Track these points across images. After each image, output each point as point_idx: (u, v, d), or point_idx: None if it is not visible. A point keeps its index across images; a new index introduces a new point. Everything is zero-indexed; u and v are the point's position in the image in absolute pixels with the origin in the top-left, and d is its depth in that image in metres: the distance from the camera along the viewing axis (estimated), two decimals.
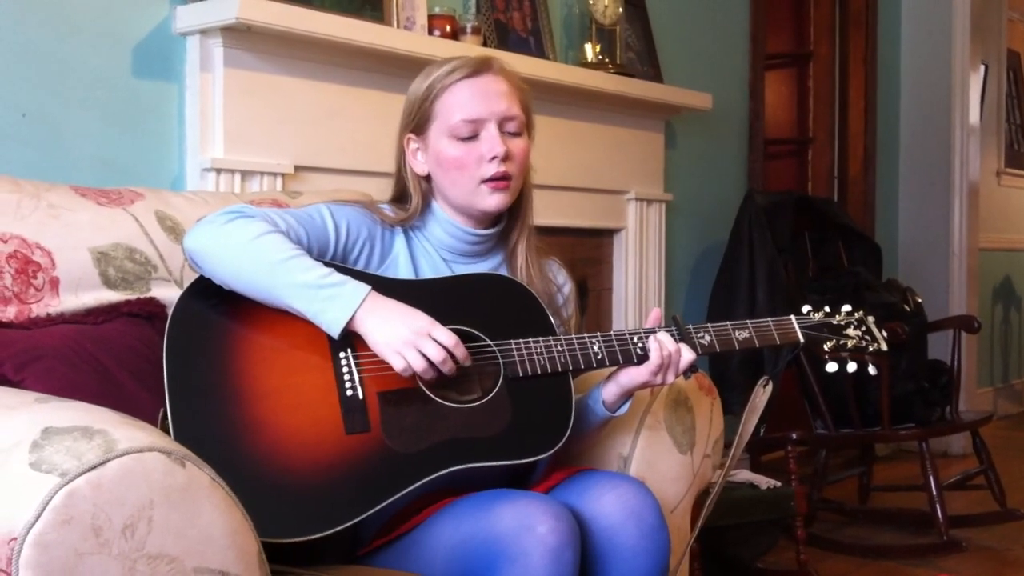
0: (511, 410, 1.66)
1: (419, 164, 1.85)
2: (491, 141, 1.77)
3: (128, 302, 1.79)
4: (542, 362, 1.70)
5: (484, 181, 1.78)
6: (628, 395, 1.81)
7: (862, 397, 3.71)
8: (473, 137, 1.78)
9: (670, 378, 1.76)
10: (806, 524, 3.26)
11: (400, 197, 1.89)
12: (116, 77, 2.29)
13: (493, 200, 1.79)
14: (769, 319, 1.87)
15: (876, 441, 4.11)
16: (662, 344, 1.75)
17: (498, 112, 1.79)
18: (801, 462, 3.39)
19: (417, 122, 1.83)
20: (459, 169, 1.79)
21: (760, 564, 3.26)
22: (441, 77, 1.79)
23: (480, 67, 1.80)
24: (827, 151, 5.10)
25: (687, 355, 1.76)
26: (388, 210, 1.85)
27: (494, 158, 1.77)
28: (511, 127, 1.81)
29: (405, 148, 1.86)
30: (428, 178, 1.85)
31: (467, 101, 1.78)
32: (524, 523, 1.47)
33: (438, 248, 1.86)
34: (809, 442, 3.68)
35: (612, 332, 1.78)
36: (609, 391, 1.80)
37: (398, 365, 1.59)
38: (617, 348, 1.76)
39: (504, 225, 1.89)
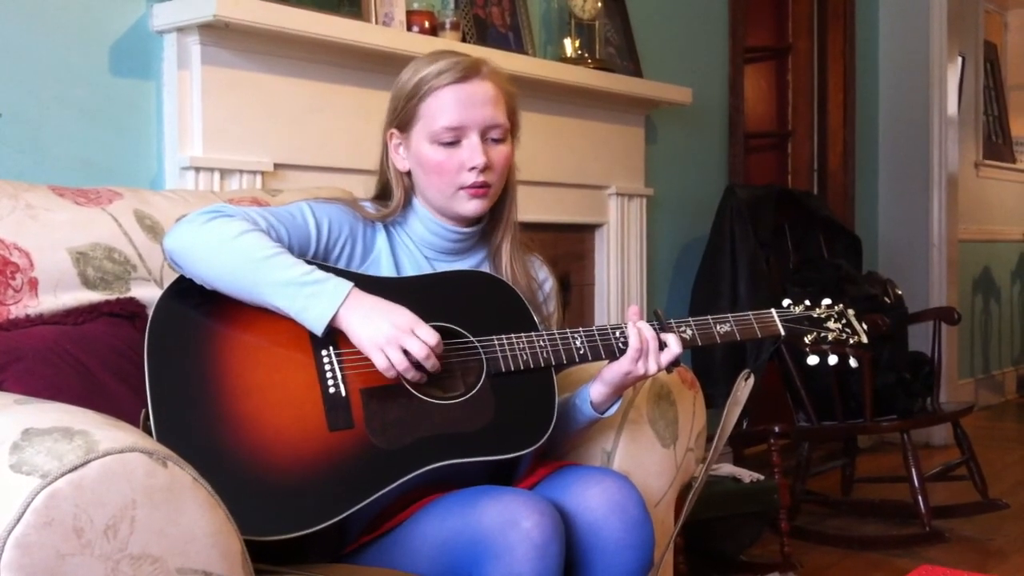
0: (494, 406, 1.66)
1: (401, 160, 1.85)
2: (472, 151, 1.77)
3: (108, 302, 1.78)
4: (524, 358, 1.70)
5: (462, 188, 1.78)
6: (617, 394, 1.81)
7: (844, 389, 3.73)
8: (455, 143, 1.78)
9: (652, 367, 1.75)
10: (790, 516, 3.28)
11: (383, 194, 1.89)
12: (93, 75, 2.27)
13: (471, 206, 1.80)
14: (750, 312, 1.87)
15: (858, 433, 4.13)
16: (641, 330, 1.75)
17: (481, 121, 1.78)
18: (784, 455, 3.40)
19: (401, 119, 1.82)
20: (439, 174, 1.79)
21: (744, 557, 3.27)
22: (429, 78, 1.78)
23: (469, 72, 1.78)
24: (807, 144, 5.12)
25: (673, 347, 1.76)
26: (370, 207, 1.85)
27: (473, 168, 1.77)
28: (495, 134, 1.81)
29: (388, 143, 1.85)
30: (410, 174, 1.85)
31: (451, 108, 1.77)
32: (509, 519, 1.48)
33: (420, 245, 1.85)
34: (792, 435, 3.69)
35: (594, 327, 1.78)
36: (597, 390, 1.79)
37: (380, 363, 1.59)
38: (599, 342, 1.76)
39: (486, 223, 1.89)
